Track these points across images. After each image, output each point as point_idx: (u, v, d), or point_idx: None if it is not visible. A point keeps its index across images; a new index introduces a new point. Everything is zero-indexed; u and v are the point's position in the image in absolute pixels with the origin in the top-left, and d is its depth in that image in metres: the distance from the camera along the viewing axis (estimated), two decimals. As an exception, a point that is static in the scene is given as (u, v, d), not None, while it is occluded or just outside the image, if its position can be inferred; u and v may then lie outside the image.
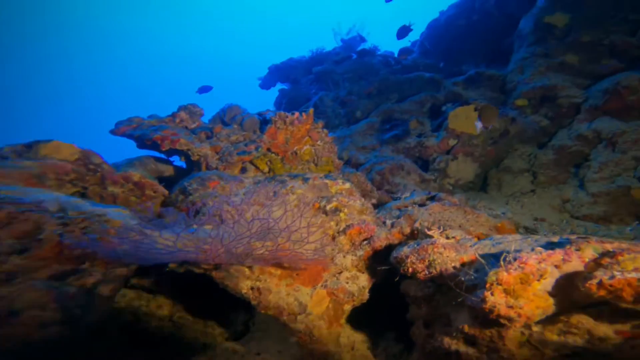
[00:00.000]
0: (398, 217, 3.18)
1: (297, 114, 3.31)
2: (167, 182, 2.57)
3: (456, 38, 7.75)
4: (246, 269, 1.97)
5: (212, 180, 2.29)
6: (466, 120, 4.78)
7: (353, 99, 6.60)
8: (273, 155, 3.21)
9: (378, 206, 4.00)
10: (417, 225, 2.35)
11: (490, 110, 4.84)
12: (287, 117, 3.24)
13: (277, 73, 7.84)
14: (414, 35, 9.02)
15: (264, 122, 3.35)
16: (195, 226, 1.82)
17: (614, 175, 4.17)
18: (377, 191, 4.07)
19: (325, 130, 3.47)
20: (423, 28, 8.22)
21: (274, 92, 7.99)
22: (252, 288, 1.95)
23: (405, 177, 4.62)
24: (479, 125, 4.80)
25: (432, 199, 3.69)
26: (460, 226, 3.08)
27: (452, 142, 4.87)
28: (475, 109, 4.69)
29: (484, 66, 6.91)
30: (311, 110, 3.43)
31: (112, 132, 2.72)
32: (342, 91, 6.72)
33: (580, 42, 5.10)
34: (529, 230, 4.05)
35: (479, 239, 2.88)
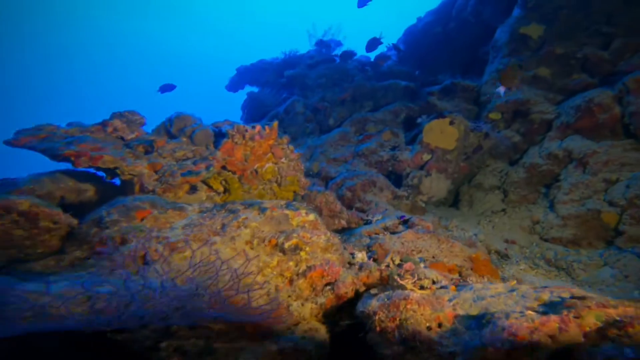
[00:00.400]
0: (369, 246, 2.90)
1: (258, 127, 2.94)
2: (91, 206, 2.12)
3: (433, 45, 7.63)
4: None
5: (140, 209, 1.88)
6: (441, 135, 4.60)
7: (326, 106, 6.29)
8: (229, 173, 2.83)
9: (347, 229, 3.71)
10: (388, 269, 2.06)
11: (464, 125, 4.68)
12: (246, 130, 2.86)
13: (246, 75, 7.39)
14: (392, 39, 8.85)
15: (219, 135, 2.95)
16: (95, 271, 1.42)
17: (585, 198, 4.11)
18: (347, 211, 3.78)
19: (291, 147, 3.13)
20: (400, 34, 8.06)
21: (242, 95, 7.55)
22: (175, 350, 1.57)
23: (377, 194, 4.36)
24: (454, 139, 4.62)
25: (405, 223, 3.44)
26: (434, 257, 2.84)
27: (426, 156, 4.67)
28: (451, 123, 4.52)
29: (459, 76, 6.82)
30: (275, 123, 3.07)
31: (8, 142, 2.18)
32: (315, 97, 6.40)
33: (553, 54, 5.05)
34: (500, 255, 3.91)
35: (457, 275, 2.66)
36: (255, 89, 7.44)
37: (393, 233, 3.12)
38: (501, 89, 4.48)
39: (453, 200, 5.20)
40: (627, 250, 3.74)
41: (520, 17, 5.31)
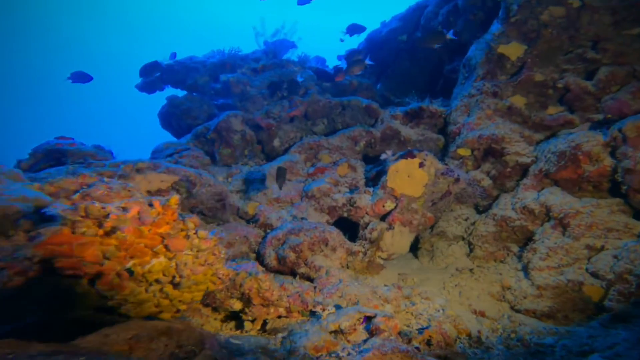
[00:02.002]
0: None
1: (136, 208, 1.83)
2: None
3: (398, 55, 6.82)
4: None
5: None
6: (408, 180, 3.78)
7: (271, 124, 5.21)
8: (70, 279, 1.72)
9: (284, 321, 2.75)
10: None
11: (435, 168, 3.91)
12: (103, 212, 1.74)
13: (169, 73, 5.98)
14: (352, 44, 7.87)
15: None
16: None
17: (564, 265, 3.55)
18: (287, 295, 2.82)
19: (203, 232, 2.06)
20: (362, 39, 7.12)
21: (161, 99, 6.11)
22: None
23: (329, 255, 3.45)
24: (422, 184, 3.84)
25: (368, 321, 2.56)
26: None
27: (389, 205, 3.84)
28: (420, 165, 3.71)
29: (428, 96, 6.10)
30: (173, 199, 1.97)
31: None
32: (258, 112, 5.28)
33: (532, 81, 4.39)
34: (472, 341, 3.22)
35: None
36: (179, 93, 6.06)
37: (353, 350, 2.23)
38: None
39: (411, 247, 4.47)
40: (614, 330, 3.24)
41: (499, 33, 4.59)
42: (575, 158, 3.72)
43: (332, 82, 6.20)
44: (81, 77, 6.58)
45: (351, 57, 6.12)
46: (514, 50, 4.48)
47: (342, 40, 5.84)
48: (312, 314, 2.77)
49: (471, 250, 4.13)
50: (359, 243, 3.92)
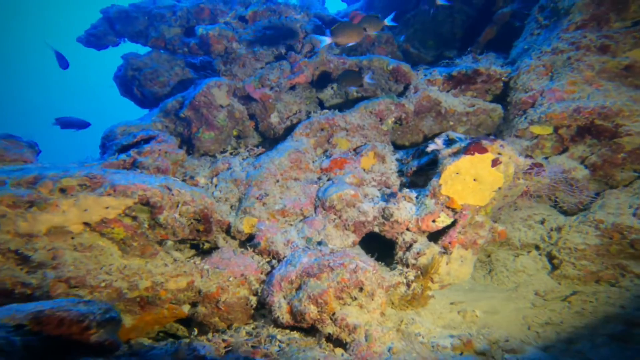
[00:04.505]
0: None
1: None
2: None
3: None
4: None
5: None
6: (474, 185, 2.57)
7: (267, 94, 3.83)
8: None
9: None
10: None
11: (514, 163, 2.68)
12: None
13: (124, 22, 4.36)
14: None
15: None
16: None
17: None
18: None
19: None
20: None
21: (115, 58, 4.56)
22: None
23: (365, 304, 2.35)
24: (493, 189, 2.67)
25: None
26: None
27: (443, 220, 2.67)
28: (495, 163, 2.51)
29: (466, 46, 4.68)
30: None
31: None
32: (249, 78, 3.87)
33: None
34: None
35: None
36: (141, 50, 4.52)
37: None
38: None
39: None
40: None
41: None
42: None
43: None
44: (74, 124, 4.97)
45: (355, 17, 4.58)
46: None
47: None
48: None
49: (554, 267, 3.05)
50: (399, 271, 2.82)
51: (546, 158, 3.14)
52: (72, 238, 2.20)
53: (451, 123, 3.75)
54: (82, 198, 2.17)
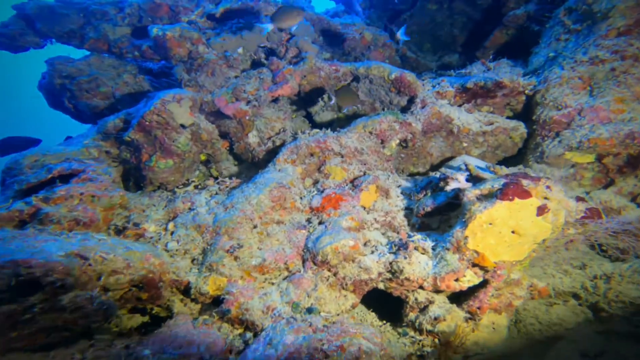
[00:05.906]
0: None
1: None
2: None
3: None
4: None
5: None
6: (512, 238, 1.95)
7: (243, 110, 3.14)
8: None
9: None
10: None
11: (565, 208, 2.09)
12: None
13: (46, 20, 3.48)
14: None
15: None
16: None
17: None
18: None
19: None
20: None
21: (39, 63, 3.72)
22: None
23: (371, 412, 1.69)
24: (535, 241, 2.07)
25: None
26: None
27: (470, 280, 2.04)
28: (541, 210, 1.90)
29: (471, 51, 4.12)
30: None
31: None
32: (220, 90, 3.17)
33: None
34: None
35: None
36: (75, 54, 3.70)
37: None
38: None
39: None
40: None
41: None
42: None
43: (333, 35, 4.08)
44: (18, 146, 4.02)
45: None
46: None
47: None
48: None
49: (601, 321, 2.47)
50: (410, 339, 2.19)
51: (587, 193, 2.57)
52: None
53: (465, 144, 3.14)
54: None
